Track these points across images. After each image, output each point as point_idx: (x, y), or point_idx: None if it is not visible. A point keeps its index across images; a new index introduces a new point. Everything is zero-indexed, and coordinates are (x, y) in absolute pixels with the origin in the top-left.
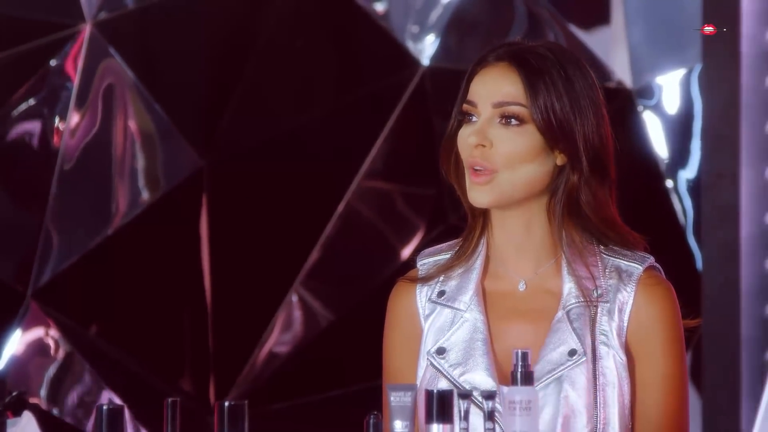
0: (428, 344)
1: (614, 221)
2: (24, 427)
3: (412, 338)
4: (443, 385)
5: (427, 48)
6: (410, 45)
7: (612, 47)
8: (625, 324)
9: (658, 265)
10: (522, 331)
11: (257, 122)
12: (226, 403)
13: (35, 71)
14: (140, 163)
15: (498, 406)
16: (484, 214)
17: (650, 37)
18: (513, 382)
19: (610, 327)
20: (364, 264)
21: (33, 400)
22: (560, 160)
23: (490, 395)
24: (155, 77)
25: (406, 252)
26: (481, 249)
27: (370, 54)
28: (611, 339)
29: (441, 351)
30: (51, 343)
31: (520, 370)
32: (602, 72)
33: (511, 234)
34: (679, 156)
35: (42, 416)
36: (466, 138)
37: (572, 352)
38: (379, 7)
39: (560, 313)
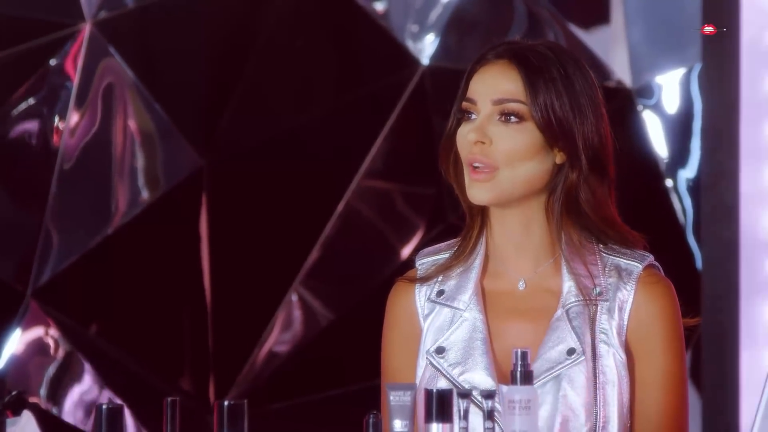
0: (427, 344)
1: (613, 220)
2: (23, 426)
3: (411, 338)
4: (443, 384)
5: (426, 47)
6: (410, 44)
7: (612, 47)
8: (625, 322)
9: (657, 264)
10: (521, 330)
11: (257, 122)
12: (226, 403)
13: (35, 70)
14: (140, 162)
15: (497, 405)
16: (482, 213)
17: (650, 36)
18: (512, 381)
19: (610, 325)
20: (364, 263)
21: (33, 400)
22: (559, 158)
23: (489, 394)
24: (155, 77)
25: (406, 251)
26: (480, 248)
27: (370, 53)
28: (611, 337)
29: (440, 350)
30: (51, 342)
31: (519, 369)
32: (602, 71)
33: (510, 233)
34: (679, 155)
35: (41, 416)
36: (466, 135)
37: (571, 351)
38: (379, 7)
39: (559, 312)
